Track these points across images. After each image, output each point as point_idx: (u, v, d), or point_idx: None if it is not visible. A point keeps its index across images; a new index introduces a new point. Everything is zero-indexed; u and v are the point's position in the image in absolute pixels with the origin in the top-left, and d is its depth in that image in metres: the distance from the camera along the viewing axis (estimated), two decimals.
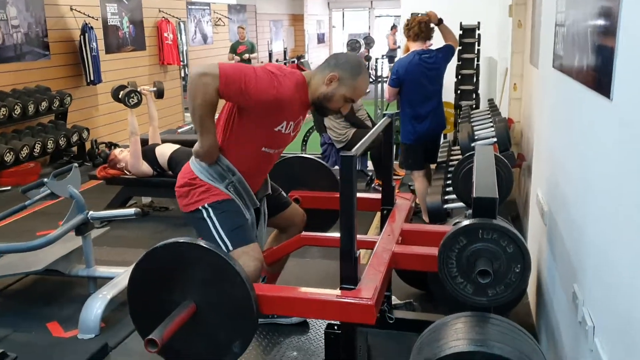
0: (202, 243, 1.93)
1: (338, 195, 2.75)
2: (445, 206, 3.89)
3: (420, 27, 4.34)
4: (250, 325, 1.93)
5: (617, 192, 1.55)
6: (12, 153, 6.03)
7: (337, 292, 1.97)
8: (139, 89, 4.98)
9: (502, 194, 2.79)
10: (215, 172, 2.39)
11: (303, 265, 3.67)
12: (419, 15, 4.46)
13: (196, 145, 2.35)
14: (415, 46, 4.41)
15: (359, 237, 2.56)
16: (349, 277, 2.00)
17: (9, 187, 6.21)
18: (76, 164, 3.38)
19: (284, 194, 2.82)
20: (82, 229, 3.27)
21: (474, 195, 1.94)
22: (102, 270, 3.39)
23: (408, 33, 4.41)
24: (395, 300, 3.24)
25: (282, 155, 2.73)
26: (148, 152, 4.88)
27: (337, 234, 2.06)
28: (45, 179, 3.24)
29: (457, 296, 1.94)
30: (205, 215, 2.37)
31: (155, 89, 5.31)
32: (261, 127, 2.35)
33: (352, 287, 2.00)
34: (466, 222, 1.89)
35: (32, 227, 4.84)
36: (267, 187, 2.66)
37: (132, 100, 4.80)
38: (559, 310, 2.30)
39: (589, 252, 1.86)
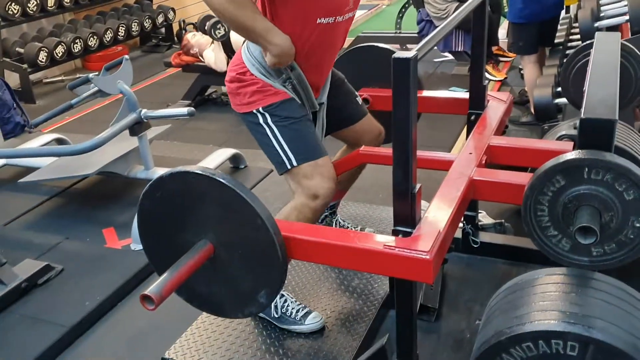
0: (216, 175, 1.53)
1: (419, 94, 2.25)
2: (556, 101, 3.23)
3: None
4: (277, 274, 1.56)
5: None
6: (95, 37, 5.84)
7: (387, 238, 1.53)
8: None
9: (627, 96, 2.14)
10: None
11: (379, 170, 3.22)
12: None
13: (268, 58, 1.86)
14: None
15: (433, 154, 2.08)
16: (404, 217, 1.54)
17: (97, 72, 6.10)
18: (127, 57, 3.06)
19: (359, 101, 2.29)
20: (135, 128, 3.00)
21: (582, 116, 1.37)
22: (160, 173, 3.13)
23: None
24: (484, 217, 2.75)
25: (350, 44, 2.19)
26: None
27: None
28: (92, 75, 2.95)
29: (547, 254, 1.44)
30: (261, 120, 1.94)
31: None
32: None
33: (409, 230, 1.55)
34: (567, 156, 1.34)
35: (113, 116, 4.71)
36: (326, 89, 2.15)
37: (219, 32, 4.34)
38: None
39: None
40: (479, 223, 2.62)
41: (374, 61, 2.64)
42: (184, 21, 7.24)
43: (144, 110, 2.99)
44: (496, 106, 2.27)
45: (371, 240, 1.54)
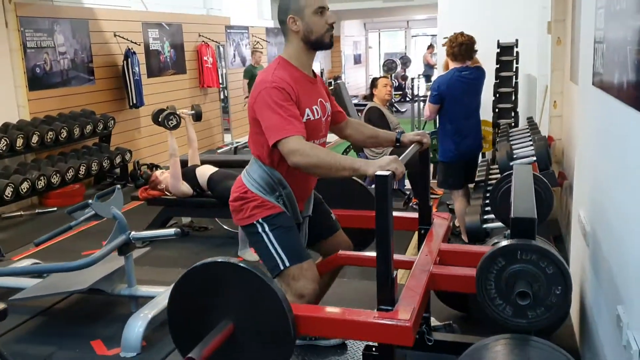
0: (241, 263, 1.95)
1: (374, 214, 2.76)
2: (485, 226, 3.84)
3: (462, 48, 4.34)
4: (288, 348, 1.94)
5: None
6: (58, 175, 6.21)
7: (375, 313, 1.96)
8: (179, 112, 5.11)
9: (541, 214, 2.75)
10: (266, 185, 2.40)
11: (341, 285, 3.66)
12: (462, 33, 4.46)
13: (365, 170, 2.17)
14: (455, 64, 4.42)
15: (396, 256, 2.55)
16: (386, 298, 1.99)
17: (55, 208, 6.39)
18: (119, 186, 3.48)
19: (334, 218, 2.78)
20: (124, 249, 3.34)
21: (512, 216, 1.92)
22: (143, 290, 3.45)
23: (451, 51, 4.40)
24: (434, 321, 3.20)
25: None
26: (188, 173, 4.97)
27: (374, 253, 2.05)
28: (90, 201, 3.34)
29: (496, 319, 1.91)
30: (260, 229, 2.38)
31: (193, 112, 5.43)
32: None
33: (390, 308, 1.99)
34: (504, 243, 1.87)
35: (78, 247, 4.97)
36: (311, 204, 2.65)
37: (171, 123, 4.91)
38: (602, 334, 2.24)
39: (634, 273, 1.81)
40: (432, 325, 3.06)
41: (336, 187, 3.17)
42: (138, 162, 7.78)
43: (132, 232, 3.36)
44: (441, 222, 2.83)
45: (363, 315, 1.97)
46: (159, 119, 4.95)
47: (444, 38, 4.63)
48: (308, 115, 2.37)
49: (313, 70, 2.49)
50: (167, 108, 5.18)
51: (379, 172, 2.01)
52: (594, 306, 2.50)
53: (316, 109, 2.42)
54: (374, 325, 1.91)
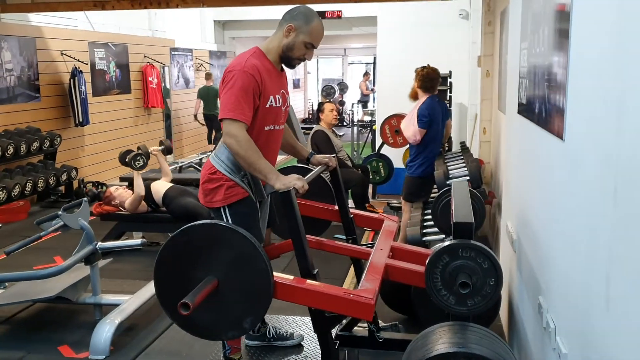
0: (238, 229, 2.23)
1: (330, 207, 3.22)
2: (424, 239, 4.24)
3: (433, 82, 4.82)
4: (264, 306, 2.25)
5: (574, 219, 1.91)
6: (4, 191, 6.23)
7: (344, 289, 2.31)
8: (150, 150, 5.33)
9: (476, 223, 3.15)
10: (233, 165, 2.70)
11: None
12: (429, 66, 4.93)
13: (273, 183, 2.51)
14: (426, 95, 4.81)
15: (356, 247, 2.96)
16: None
17: (0, 224, 6.38)
18: (86, 199, 3.65)
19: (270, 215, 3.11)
20: (90, 258, 3.52)
21: (454, 221, 2.29)
22: (108, 298, 3.63)
23: (423, 85, 4.82)
24: (381, 323, 3.53)
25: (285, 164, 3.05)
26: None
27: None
28: (59, 212, 3.50)
29: (441, 306, 2.26)
30: (222, 213, 2.73)
31: (163, 147, 5.66)
32: (259, 110, 2.67)
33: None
34: (448, 243, 2.23)
35: (28, 261, 5.03)
36: None
37: (138, 164, 5.14)
38: (526, 321, 2.64)
39: (552, 269, 2.21)
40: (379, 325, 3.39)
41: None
42: (83, 180, 7.82)
43: (99, 243, 3.55)
44: (391, 223, 3.18)
45: (334, 290, 2.31)
46: (127, 160, 5.15)
47: (416, 70, 5.03)
48: (271, 102, 2.72)
49: (281, 65, 2.84)
50: (138, 148, 5.38)
51: (283, 188, 2.41)
52: (520, 300, 2.90)
53: (278, 97, 2.78)
54: (343, 299, 2.23)
